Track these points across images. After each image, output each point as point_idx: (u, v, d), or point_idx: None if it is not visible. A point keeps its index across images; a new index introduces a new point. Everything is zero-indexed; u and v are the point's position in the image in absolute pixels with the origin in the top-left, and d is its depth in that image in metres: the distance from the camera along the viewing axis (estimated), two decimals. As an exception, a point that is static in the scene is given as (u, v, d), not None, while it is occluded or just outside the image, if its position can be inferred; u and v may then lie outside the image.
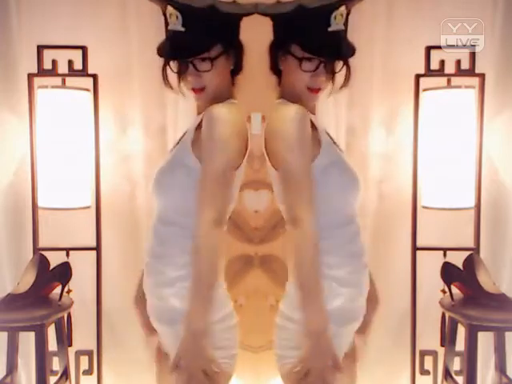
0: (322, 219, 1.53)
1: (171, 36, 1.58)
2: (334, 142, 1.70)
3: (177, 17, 1.52)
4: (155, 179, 1.63)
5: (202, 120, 1.57)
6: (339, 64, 1.60)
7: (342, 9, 1.52)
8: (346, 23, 1.57)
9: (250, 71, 2.39)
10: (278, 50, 1.62)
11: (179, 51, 1.57)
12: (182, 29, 1.53)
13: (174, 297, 1.55)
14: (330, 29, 1.52)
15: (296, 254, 1.49)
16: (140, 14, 2.37)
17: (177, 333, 1.51)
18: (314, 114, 1.67)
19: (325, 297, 1.49)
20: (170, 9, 1.53)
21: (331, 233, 1.57)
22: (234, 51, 1.63)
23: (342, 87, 1.66)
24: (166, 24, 1.60)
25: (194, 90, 1.60)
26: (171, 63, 1.62)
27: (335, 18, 1.51)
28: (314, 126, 1.59)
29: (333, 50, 1.55)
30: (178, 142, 1.69)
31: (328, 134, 1.69)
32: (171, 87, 1.67)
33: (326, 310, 1.48)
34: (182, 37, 1.54)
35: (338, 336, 1.54)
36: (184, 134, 1.69)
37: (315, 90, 1.58)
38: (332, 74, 1.59)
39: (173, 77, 1.67)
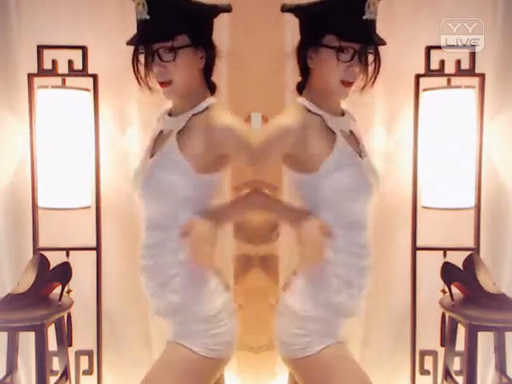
0: (327, 219, 1.58)
1: (138, 25, 1.59)
2: (359, 147, 1.69)
3: (143, 5, 1.53)
4: (144, 186, 1.63)
5: (185, 124, 1.60)
6: (370, 56, 1.60)
7: None
8: (376, 13, 1.58)
9: (250, 71, 2.41)
10: (308, 46, 1.60)
11: (143, 38, 1.57)
12: (148, 16, 1.53)
13: (172, 293, 1.60)
14: (364, 17, 1.53)
15: None
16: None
17: (180, 321, 1.60)
18: (339, 115, 1.68)
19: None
20: None
21: (336, 233, 1.59)
22: (204, 48, 1.61)
23: (372, 79, 1.62)
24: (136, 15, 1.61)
25: (160, 83, 1.59)
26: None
27: (369, 6, 1.52)
28: (329, 130, 1.61)
29: (369, 38, 1.56)
30: (154, 146, 1.68)
31: (354, 137, 1.70)
32: (139, 81, 1.64)
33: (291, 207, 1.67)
34: (147, 24, 1.55)
35: (335, 325, 1.61)
36: (157, 135, 1.69)
37: (349, 84, 1.58)
38: (365, 65, 1.57)
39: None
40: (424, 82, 2.33)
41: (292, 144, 1.57)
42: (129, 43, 1.60)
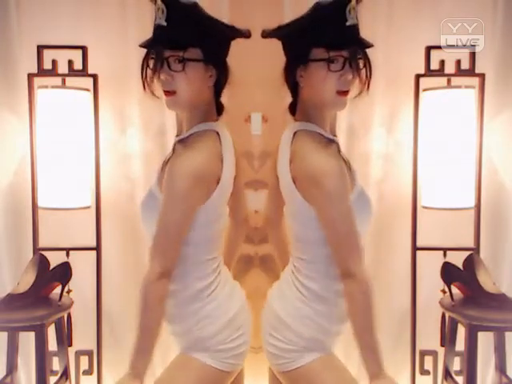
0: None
1: (154, 30, 1.58)
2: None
3: (162, 11, 1.52)
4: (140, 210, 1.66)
5: (169, 155, 1.61)
6: (360, 61, 1.58)
7: (353, 2, 1.52)
8: (357, 18, 1.57)
9: (250, 71, 2.41)
10: (296, 65, 1.58)
11: (156, 43, 1.56)
12: (165, 23, 1.52)
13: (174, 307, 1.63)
14: (347, 23, 1.51)
15: (351, 304, 1.55)
16: (140, 14, 2.37)
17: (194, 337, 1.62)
18: (334, 134, 1.68)
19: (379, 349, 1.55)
20: (158, 2, 1.53)
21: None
22: (215, 67, 1.59)
23: (366, 83, 1.60)
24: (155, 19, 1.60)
25: (165, 92, 1.58)
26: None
27: (349, 12, 1.51)
28: (346, 163, 1.62)
29: (356, 42, 1.55)
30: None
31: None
32: (145, 85, 1.61)
33: (380, 357, 1.54)
34: (162, 31, 1.54)
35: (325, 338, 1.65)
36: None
37: (344, 93, 1.56)
38: (357, 70, 1.56)
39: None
40: (424, 81, 2.32)
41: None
42: (142, 45, 1.60)
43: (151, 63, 1.56)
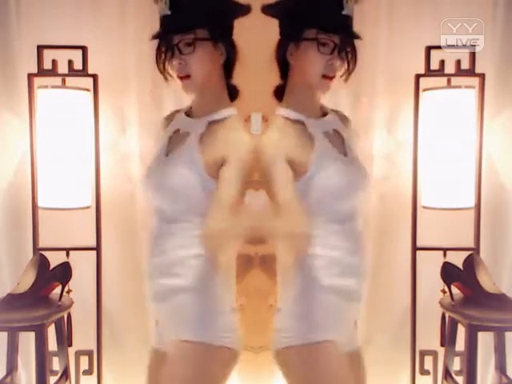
0: (320, 217, 1.62)
1: (161, 22, 1.64)
2: (344, 145, 1.71)
3: (165, 2, 1.58)
4: (159, 182, 1.65)
5: (206, 127, 1.64)
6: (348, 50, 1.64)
7: None
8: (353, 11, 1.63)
9: (250, 71, 2.41)
10: (288, 43, 1.65)
11: (164, 32, 1.62)
12: (169, 12, 1.58)
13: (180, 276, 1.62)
14: (343, 12, 1.59)
15: None
16: (140, 14, 2.37)
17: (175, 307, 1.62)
18: (320, 115, 1.71)
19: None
20: None
21: (327, 228, 1.63)
22: (224, 45, 1.65)
23: (349, 71, 1.67)
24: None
25: (180, 77, 1.64)
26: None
27: (347, 1, 1.58)
28: (308, 135, 1.64)
29: (348, 31, 1.61)
30: (169, 144, 1.71)
31: (340, 136, 1.72)
32: (162, 72, 1.68)
33: None
34: (168, 19, 1.60)
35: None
36: (172, 134, 1.72)
37: (330, 78, 1.63)
38: (345, 58, 1.63)
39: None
40: (424, 81, 2.32)
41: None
42: (152, 38, 1.64)
43: (163, 53, 1.63)
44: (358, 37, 1.64)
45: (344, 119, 1.81)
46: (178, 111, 1.82)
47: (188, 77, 1.62)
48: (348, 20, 1.62)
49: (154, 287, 1.68)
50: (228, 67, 1.71)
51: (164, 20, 1.62)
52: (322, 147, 1.63)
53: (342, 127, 1.75)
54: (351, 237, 1.67)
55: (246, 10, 1.70)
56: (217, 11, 1.62)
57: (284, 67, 1.71)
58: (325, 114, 1.74)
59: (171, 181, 1.61)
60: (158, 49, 1.65)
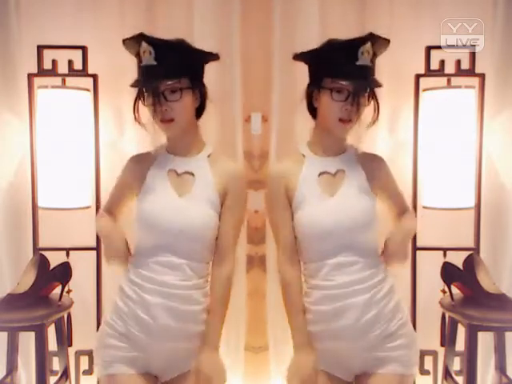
0: (301, 254, 1.79)
1: (144, 71, 1.71)
2: (341, 185, 1.78)
3: (150, 52, 1.67)
4: (180, 223, 1.72)
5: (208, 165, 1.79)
6: (367, 99, 1.75)
7: (368, 46, 1.68)
8: (373, 61, 1.73)
9: (250, 71, 2.41)
10: (313, 89, 1.78)
11: (151, 81, 1.69)
12: (155, 62, 1.67)
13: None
14: (357, 63, 1.68)
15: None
16: (140, 15, 2.38)
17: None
18: (337, 153, 1.82)
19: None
20: (144, 46, 1.68)
21: (308, 267, 1.78)
22: (199, 90, 1.77)
23: (372, 122, 1.81)
24: (139, 63, 1.73)
25: (162, 121, 1.71)
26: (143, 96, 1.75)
27: (362, 53, 1.68)
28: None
29: (360, 81, 1.70)
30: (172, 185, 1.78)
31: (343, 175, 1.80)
32: (139, 121, 1.80)
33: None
34: (154, 69, 1.68)
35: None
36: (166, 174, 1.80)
37: (346, 121, 1.71)
38: (361, 106, 1.71)
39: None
40: (424, 82, 2.32)
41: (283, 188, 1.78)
42: (133, 85, 1.74)
43: (146, 99, 1.72)
44: (377, 85, 1.74)
45: (364, 159, 1.85)
46: (155, 150, 1.86)
47: (172, 120, 1.71)
48: (363, 70, 1.69)
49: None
50: (200, 110, 1.82)
51: (148, 70, 1.69)
52: (304, 186, 1.75)
53: (354, 167, 1.81)
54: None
55: (216, 57, 1.82)
56: (196, 61, 1.76)
57: (311, 107, 1.83)
58: (343, 152, 1.83)
59: (198, 221, 1.71)
60: (138, 96, 1.74)
